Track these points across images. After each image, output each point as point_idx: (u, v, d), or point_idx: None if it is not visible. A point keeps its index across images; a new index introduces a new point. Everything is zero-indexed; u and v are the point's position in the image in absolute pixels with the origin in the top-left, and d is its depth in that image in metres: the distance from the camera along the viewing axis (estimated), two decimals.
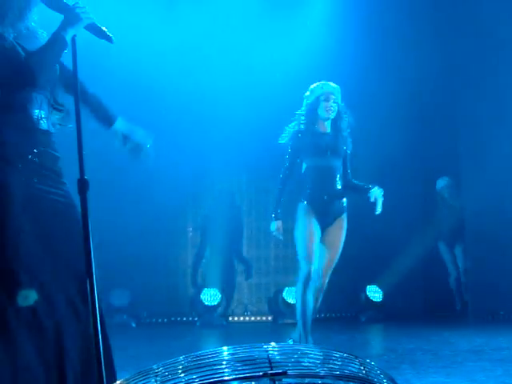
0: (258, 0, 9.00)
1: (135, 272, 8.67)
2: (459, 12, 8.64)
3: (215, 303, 8.76)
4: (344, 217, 5.35)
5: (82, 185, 2.52)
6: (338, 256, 5.31)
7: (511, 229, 8.24)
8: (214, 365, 2.02)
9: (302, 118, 5.37)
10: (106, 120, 3.14)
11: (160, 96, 8.60)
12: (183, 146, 8.71)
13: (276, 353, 2.02)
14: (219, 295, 8.77)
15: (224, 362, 2.02)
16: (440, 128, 9.27)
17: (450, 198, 9.33)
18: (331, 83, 5.39)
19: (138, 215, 8.73)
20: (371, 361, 2.14)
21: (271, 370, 1.91)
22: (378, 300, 9.08)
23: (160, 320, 9.10)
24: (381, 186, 5.45)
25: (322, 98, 5.30)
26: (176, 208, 9.30)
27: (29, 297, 2.78)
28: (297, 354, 2.02)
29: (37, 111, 2.90)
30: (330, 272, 5.30)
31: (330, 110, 5.30)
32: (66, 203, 2.90)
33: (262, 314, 9.40)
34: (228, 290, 9.24)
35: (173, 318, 9.14)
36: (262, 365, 1.95)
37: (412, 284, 9.15)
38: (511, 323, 7.74)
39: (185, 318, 9.12)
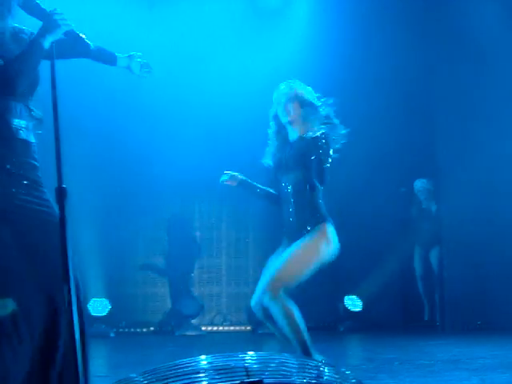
0: (243, 7, 8.97)
1: (114, 281, 8.62)
2: (436, 14, 8.57)
3: (194, 313, 8.73)
4: (315, 228, 4.32)
5: (60, 193, 2.50)
6: (285, 267, 4.42)
7: (489, 236, 8.21)
8: (192, 374, 2.03)
9: (272, 133, 4.62)
10: (110, 61, 3.38)
11: (142, 109, 8.55)
12: (164, 155, 8.67)
13: (253, 362, 2.03)
14: (197, 305, 8.75)
15: (202, 371, 2.03)
16: (419, 130, 9.04)
17: (425, 201, 9.17)
18: (284, 83, 4.55)
19: (117, 225, 8.70)
20: (348, 370, 2.17)
21: (248, 378, 1.92)
22: (357, 310, 9.10)
23: (139, 329, 9.05)
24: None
25: (276, 103, 4.52)
26: (155, 217, 9.27)
27: (7, 306, 2.77)
28: (274, 362, 2.04)
29: (16, 120, 2.87)
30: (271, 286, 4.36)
31: (286, 112, 4.46)
32: (47, 212, 2.87)
33: (241, 324, 9.37)
34: (206, 300, 9.23)
35: (152, 328, 9.09)
36: (239, 373, 1.96)
37: (390, 294, 9.15)
38: (488, 333, 7.79)
39: (164, 328, 9.07)
